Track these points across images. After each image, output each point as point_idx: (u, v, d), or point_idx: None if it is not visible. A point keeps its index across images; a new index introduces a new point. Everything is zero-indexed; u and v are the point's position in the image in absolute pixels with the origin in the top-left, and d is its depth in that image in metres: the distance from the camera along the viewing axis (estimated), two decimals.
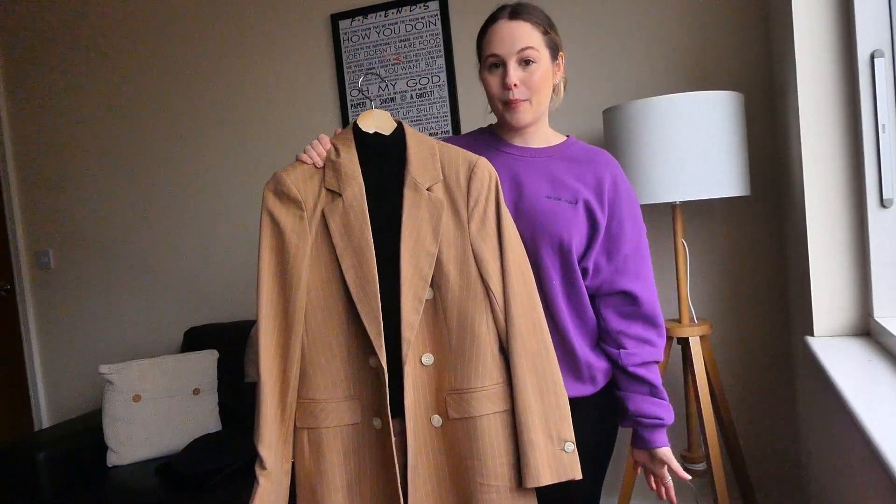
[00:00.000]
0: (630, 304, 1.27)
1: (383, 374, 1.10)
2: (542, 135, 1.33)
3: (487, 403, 1.14)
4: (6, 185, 3.08)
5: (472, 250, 1.16)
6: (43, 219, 3.09)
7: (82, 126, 2.98)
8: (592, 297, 1.29)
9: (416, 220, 1.15)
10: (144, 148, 2.90)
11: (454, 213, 1.17)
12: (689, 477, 1.34)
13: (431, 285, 1.15)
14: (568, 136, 1.37)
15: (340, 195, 1.15)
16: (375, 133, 1.21)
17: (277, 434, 1.14)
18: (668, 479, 1.32)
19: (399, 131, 1.22)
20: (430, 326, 1.16)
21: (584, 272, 1.26)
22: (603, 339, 1.30)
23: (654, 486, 1.36)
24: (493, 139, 1.35)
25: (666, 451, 1.29)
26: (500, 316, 1.16)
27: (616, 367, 1.29)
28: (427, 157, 1.19)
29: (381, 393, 1.11)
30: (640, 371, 1.27)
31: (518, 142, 1.32)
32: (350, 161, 1.18)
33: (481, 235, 1.16)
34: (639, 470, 1.39)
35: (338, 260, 1.14)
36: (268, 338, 1.15)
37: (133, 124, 2.90)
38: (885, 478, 0.98)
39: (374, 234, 1.14)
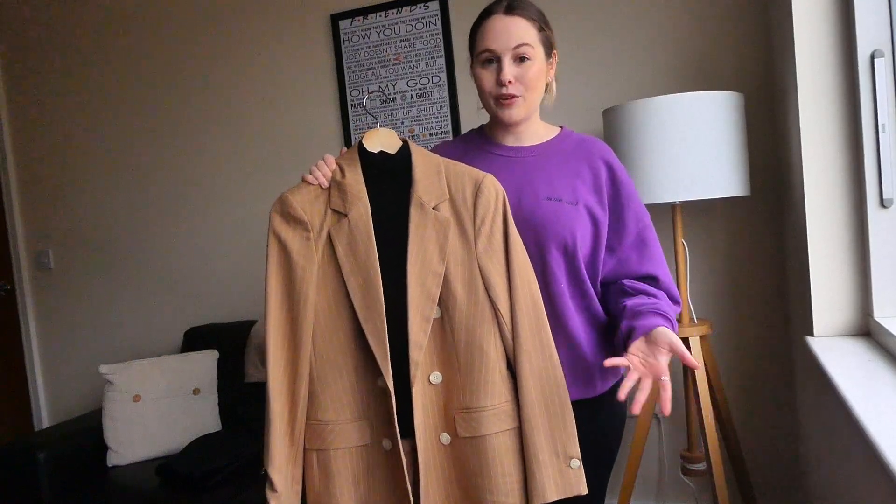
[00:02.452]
0: (651, 283, 1.26)
1: (390, 395, 1.10)
2: (533, 131, 1.31)
3: (496, 422, 1.14)
4: (6, 185, 3.08)
5: (480, 269, 1.15)
6: (43, 219, 3.09)
7: (82, 126, 2.98)
8: (606, 286, 1.28)
9: (423, 239, 1.14)
10: (144, 148, 2.90)
11: (461, 232, 1.16)
12: (698, 365, 1.07)
13: (439, 304, 1.15)
14: (561, 127, 1.35)
15: (346, 216, 1.15)
16: (381, 152, 1.21)
17: (287, 456, 1.14)
18: (667, 376, 1.08)
19: (404, 150, 1.22)
20: (438, 345, 1.16)
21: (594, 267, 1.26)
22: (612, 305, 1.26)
23: (640, 398, 1.05)
24: (485, 141, 1.34)
25: (666, 331, 1.09)
26: (508, 334, 1.15)
27: (615, 295, 1.24)
28: (433, 175, 1.19)
29: (390, 414, 1.11)
30: (641, 286, 1.22)
31: (510, 141, 1.31)
32: (355, 181, 1.17)
33: (488, 254, 1.16)
34: (632, 378, 1.08)
35: (344, 281, 1.14)
36: (276, 360, 1.15)
37: (133, 124, 2.90)
38: (885, 478, 0.98)
39: (381, 255, 1.14)
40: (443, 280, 1.14)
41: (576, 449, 1.15)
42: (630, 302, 1.20)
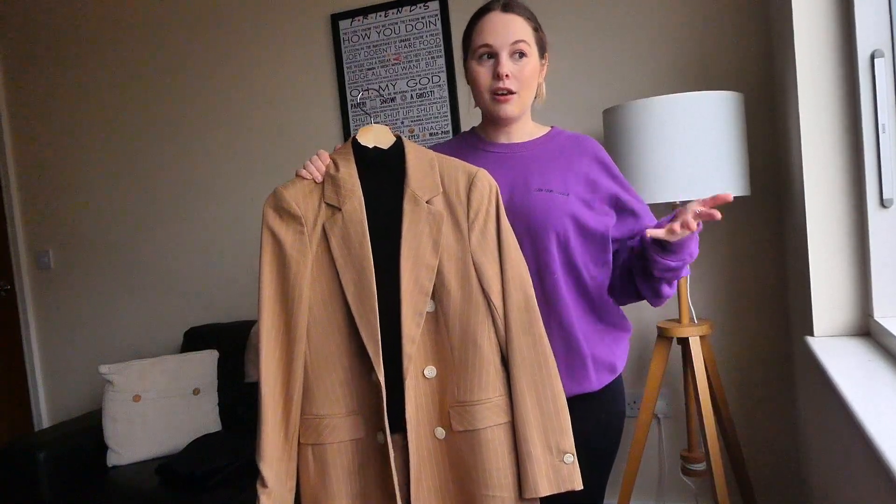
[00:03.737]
0: None
1: (381, 389, 1.11)
2: (526, 130, 1.33)
3: (491, 415, 1.15)
4: (6, 185, 3.08)
5: (473, 262, 1.16)
6: (43, 219, 3.08)
7: (82, 126, 2.98)
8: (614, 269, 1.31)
9: (416, 233, 1.15)
10: (145, 148, 2.90)
11: (454, 226, 1.17)
12: (724, 202, 1.09)
13: (433, 298, 1.15)
14: (552, 126, 1.37)
15: (340, 209, 1.16)
16: (375, 147, 1.22)
17: (281, 451, 1.14)
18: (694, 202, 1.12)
19: (398, 145, 1.23)
20: (432, 339, 1.16)
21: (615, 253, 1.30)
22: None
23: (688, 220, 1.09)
24: (478, 140, 1.36)
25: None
26: (502, 328, 1.16)
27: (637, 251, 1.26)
28: (426, 169, 1.19)
29: (382, 408, 1.12)
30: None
31: (503, 139, 1.33)
32: (349, 175, 1.18)
33: (482, 247, 1.17)
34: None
35: (338, 275, 1.14)
36: (270, 355, 1.15)
37: (133, 124, 2.90)
38: (885, 478, 0.98)
39: (375, 249, 1.15)
40: (436, 274, 1.15)
41: (569, 444, 1.15)
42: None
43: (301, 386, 1.15)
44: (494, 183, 1.20)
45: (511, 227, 1.19)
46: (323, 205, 1.17)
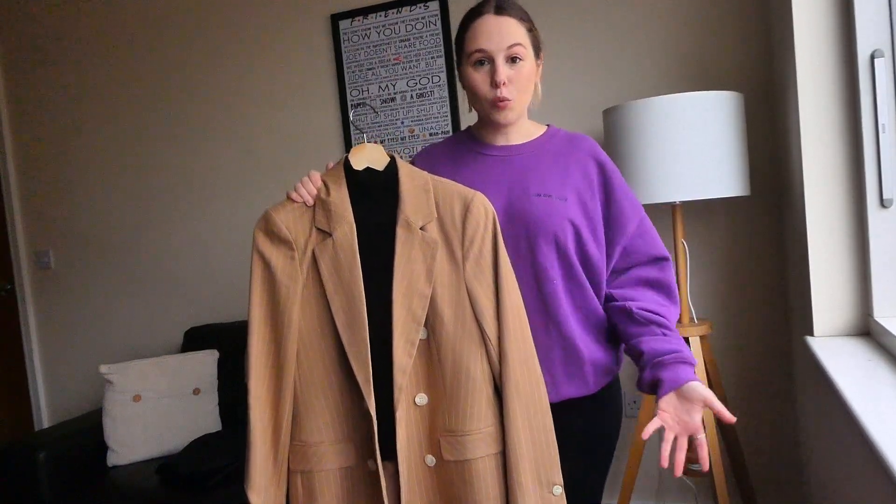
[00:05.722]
0: (657, 269, 1.27)
1: (371, 419, 1.09)
2: (523, 131, 1.32)
3: (482, 446, 1.13)
4: (6, 185, 3.08)
5: (468, 291, 1.13)
6: (43, 219, 3.09)
7: (82, 126, 2.98)
8: (608, 301, 1.28)
9: (409, 260, 1.12)
10: (145, 148, 2.90)
11: (449, 253, 1.14)
12: (734, 419, 1.10)
13: (426, 326, 1.13)
14: (548, 125, 1.35)
15: (331, 235, 1.13)
16: (367, 169, 1.18)
17: (270, 478, 1.13)
18: (702, 434, 1.12)
19: (391, 166, 1.19)
20: (424, 367, 1.14)
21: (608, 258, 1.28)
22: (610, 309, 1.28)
23: (680, 458, 1.10)
24: (474, 142, 1.34)
25: (698, 385, 1.11)
26: (495, 357, 1.13)
27: (623, 318, 1.23)
28: (421, 194, 1.16)
29: (372, 437, 1.10)
30: (649, 315, 1.20)
31: (500, 141, 1.31)
32: (341, 200, 1.15)
33: (477, 276, 1.14)
34: (669, 439, 1.11)
35: (328, 302, 1.12)
36: (258, 382, 1.14)
37: (133, 124, 2.90)
38: (885, 478, 0.98)
39: (366, 275, 1.12)
40: (430, 302, 1.12)
41: (558, 476, 1.14)
42: (647, 345, 1.19)
43: (290, 412, 1.14)
44: (491, 208, 1.17)
45: (507, 256, 1.17)
46: (314, 229, 1.14)
